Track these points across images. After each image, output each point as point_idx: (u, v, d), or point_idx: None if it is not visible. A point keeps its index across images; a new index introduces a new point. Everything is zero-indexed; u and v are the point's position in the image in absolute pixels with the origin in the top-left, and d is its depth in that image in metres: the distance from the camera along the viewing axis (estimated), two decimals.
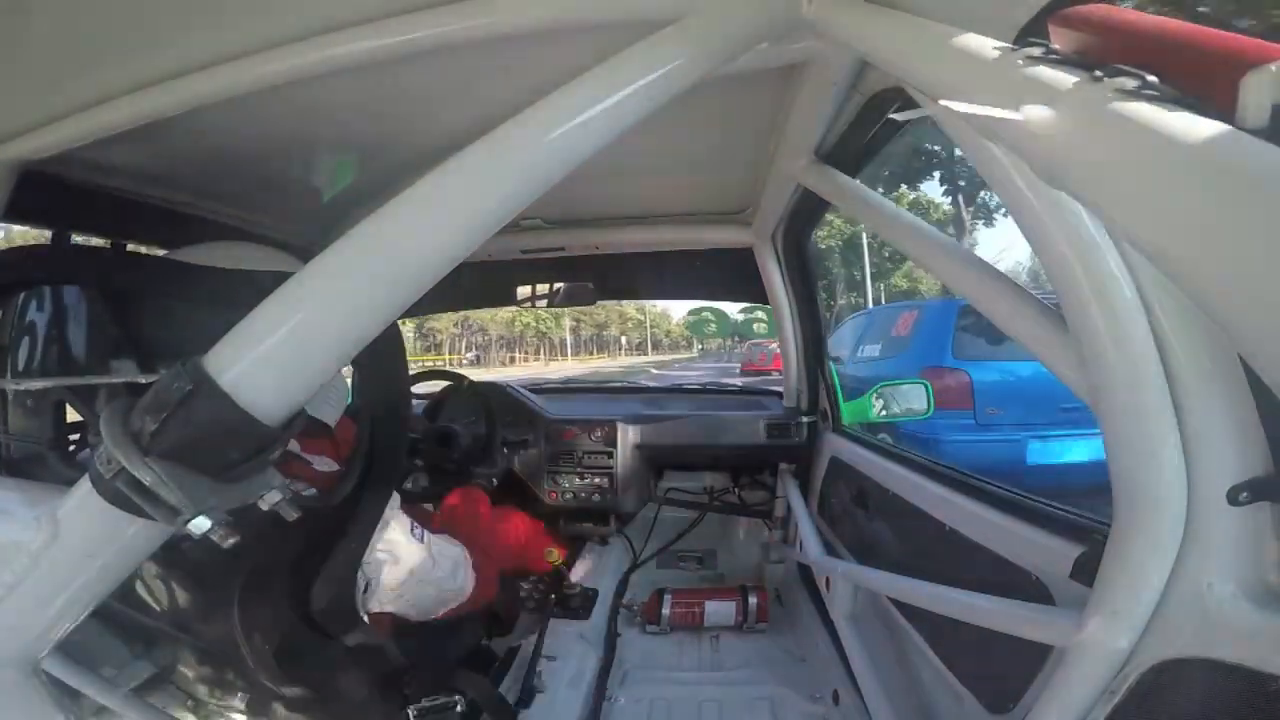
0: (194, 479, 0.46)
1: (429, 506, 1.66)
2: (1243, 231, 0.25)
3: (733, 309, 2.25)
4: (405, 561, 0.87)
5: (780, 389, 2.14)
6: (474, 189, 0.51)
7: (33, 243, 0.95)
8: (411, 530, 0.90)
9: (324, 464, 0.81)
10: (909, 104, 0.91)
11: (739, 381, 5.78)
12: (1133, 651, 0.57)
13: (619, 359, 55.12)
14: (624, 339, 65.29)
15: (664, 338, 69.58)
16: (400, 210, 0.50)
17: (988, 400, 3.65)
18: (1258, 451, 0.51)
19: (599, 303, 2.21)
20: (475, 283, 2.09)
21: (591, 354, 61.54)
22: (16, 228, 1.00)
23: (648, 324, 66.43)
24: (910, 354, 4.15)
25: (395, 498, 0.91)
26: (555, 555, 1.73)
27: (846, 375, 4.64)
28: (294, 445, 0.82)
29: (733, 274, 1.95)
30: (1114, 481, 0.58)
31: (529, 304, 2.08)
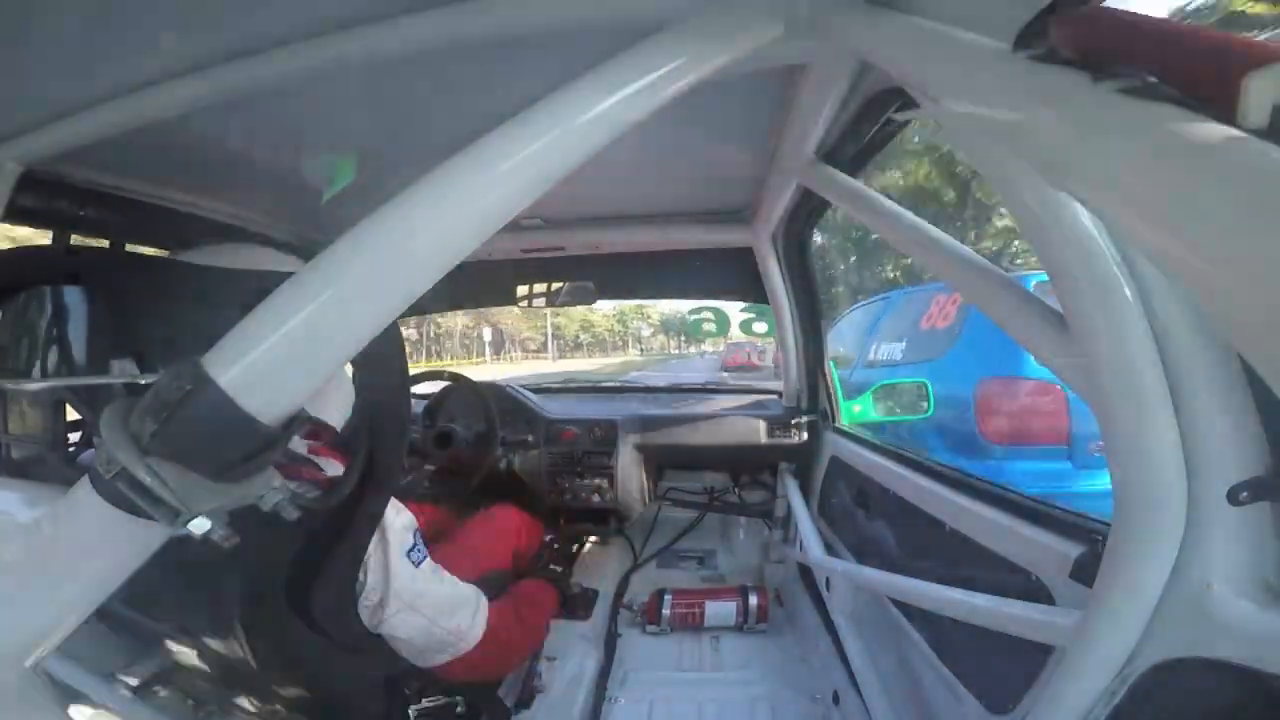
0: (194, 479, 0.46)
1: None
2: (1243, 231, 0.25)
3: (734, 309, 2.24)
4: (395, 578, 0.84)
5: (779, 388, 2.14)
6: (474, 189, 0.51)
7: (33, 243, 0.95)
8: (408, 552, 0.86)
9: (334, 468, 0.81)
10: (909, 104, 0.92)
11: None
12: (1133, 651, 0.58)
13: (487, 365, 34.19)
14: (497, 331, 40.97)
15: (582, 335, 49.39)
16: (400, 210, 0.50)
17: (1089, 429, 2.13)
18: (1258, 451, 0.51)
19: None
20: (475, 282, 2.09)
21: (460, 358, 37.94)
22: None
23: (548, 318, 42.60)
24: (959, 356, 2.64)
25: (411, 518, 0.88)
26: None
27: (853, 386, 3.01)
28: (302, 448, 0.82)
29: (733, 274, 1.96)
30: (1114, 481, 0.58)
31: (528, 303, 2.09)
